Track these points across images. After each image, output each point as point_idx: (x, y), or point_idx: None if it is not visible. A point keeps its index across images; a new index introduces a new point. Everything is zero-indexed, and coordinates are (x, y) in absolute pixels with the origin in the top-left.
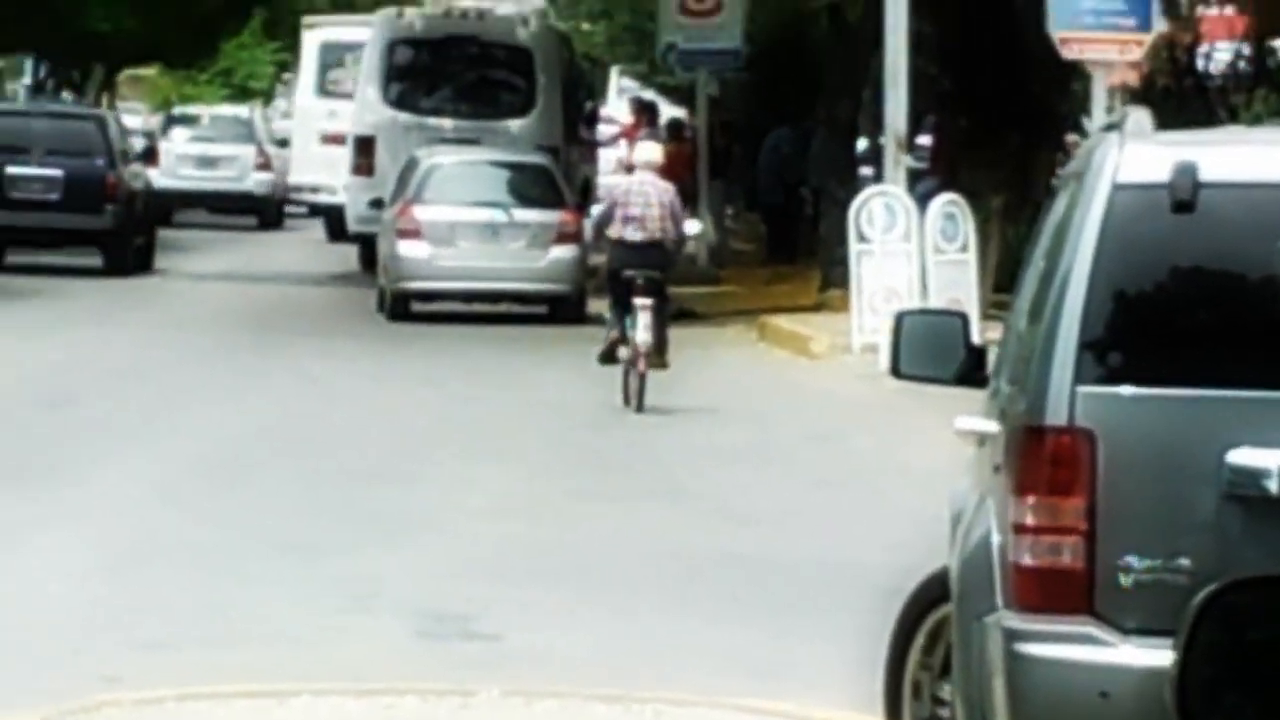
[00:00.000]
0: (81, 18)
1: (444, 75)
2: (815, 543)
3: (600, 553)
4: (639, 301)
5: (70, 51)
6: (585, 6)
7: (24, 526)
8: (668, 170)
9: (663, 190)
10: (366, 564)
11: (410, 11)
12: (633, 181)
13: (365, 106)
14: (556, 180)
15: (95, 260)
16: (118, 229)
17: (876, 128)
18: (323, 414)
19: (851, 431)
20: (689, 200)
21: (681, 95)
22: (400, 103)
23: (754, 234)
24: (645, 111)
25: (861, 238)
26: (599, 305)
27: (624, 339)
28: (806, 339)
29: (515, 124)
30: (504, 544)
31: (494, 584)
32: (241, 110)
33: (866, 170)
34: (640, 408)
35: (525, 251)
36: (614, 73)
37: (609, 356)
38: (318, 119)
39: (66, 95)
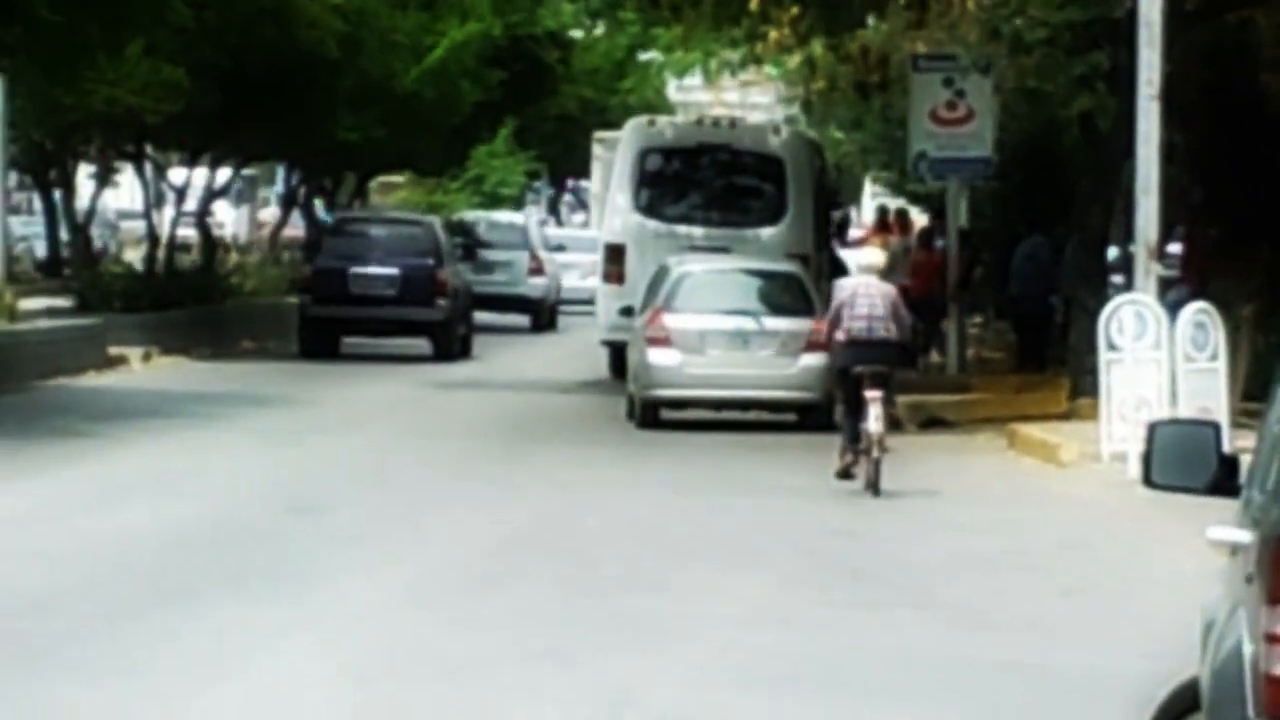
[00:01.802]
0: (331, 128)
1: (695, 183)
2: (1066, 651)
3: (852, 662)
4: (869, 394)
5: (321, 160)
6: (837, 115)
7: (276, 634)
8: (918, 279)
9: (886, 291)
10: (618, 672)
11: (662, 119)
12: (858, 283)
13: (616, 214)
14: (807, 288)
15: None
16: (446, 320)
17: (1128, 236)
18: (573, 521)
19: (1100, 539)
20: (938, 310)
21: (933, 203)
22: (651, 210)
23: (1003, 342)
24: (898, 219)
25: (1112, 346)
26: None
27: (857, 459)
28: (1056, 447)
29: (766, 232)
30: (756, 653)
31: (746, 693)
32: (517, 217)
33: (1117, 278)
34: (877, 492)
35: (775, 359)
36: (867, 180)
37: (845, 474)
38: None
39: (318, 202)
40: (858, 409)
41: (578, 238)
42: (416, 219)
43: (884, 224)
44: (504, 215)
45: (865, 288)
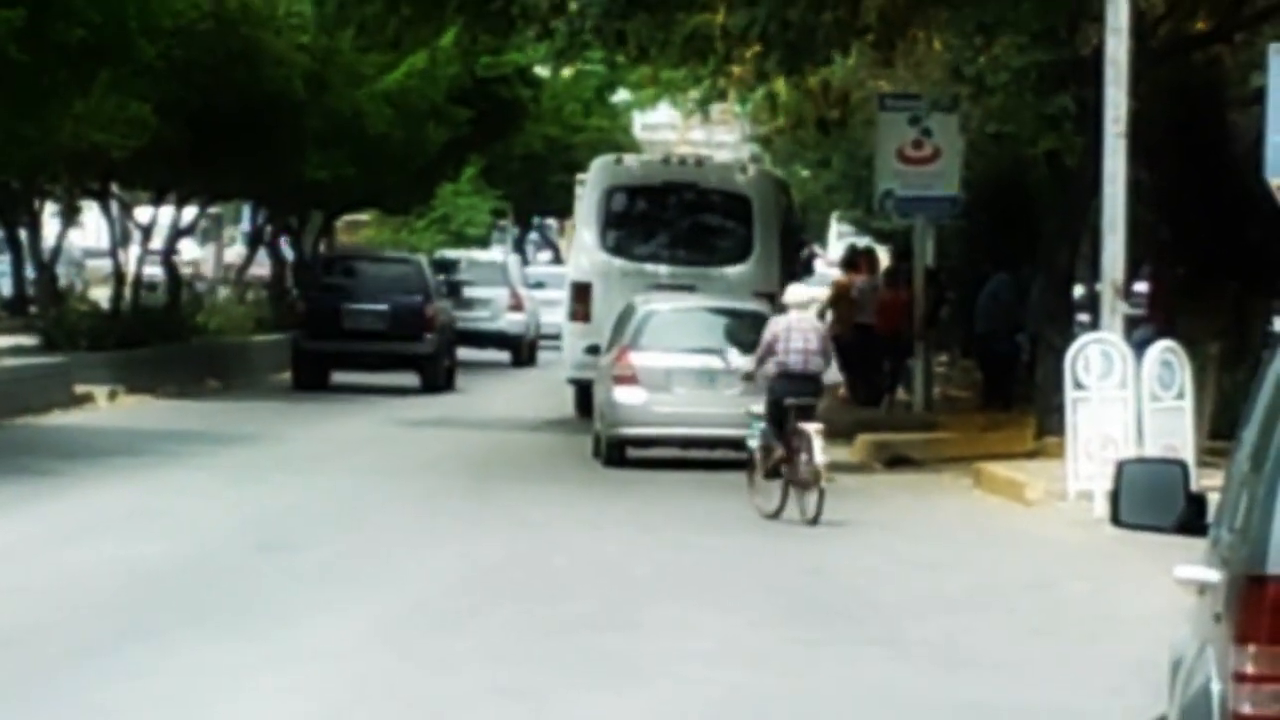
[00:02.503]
0: (300, 166)
1: (661, 221)
2: (1035, 689)
3: (822, 700)
4: (809, 427)
5: (289, 199)
6: (803, 154)
7: (245, 672)
8: (884, 317)
9: (816, 327)
10: (589, 709)
11: (628, 157)
12: (791, 319)
13: (582, 252)
14: None
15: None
16: (434, 354)
17: (1094, 274)
18: (541, 559)
19: (1068, 578)
20: (904, 348)
21: (898, 240)
22: (617, 249)
23: (969, 380)
24: (864, 257)
25: (1078, 384)
26: None
27: (787, 458)
28: (1022, 485)
29: (732, 270)
30: (726, 690)
31: None
32: (497, 255)
33: (1084, 317)
34: (816, 521)
35: (741, 398)
36: (833, 218)
37: (775, 472)
38: None
39: (284, 240)
40: (784, 435)
41: (556, 275)
42: (405, 257)
43: (853, 262)
44: (484, 254)
45: (798, 323)
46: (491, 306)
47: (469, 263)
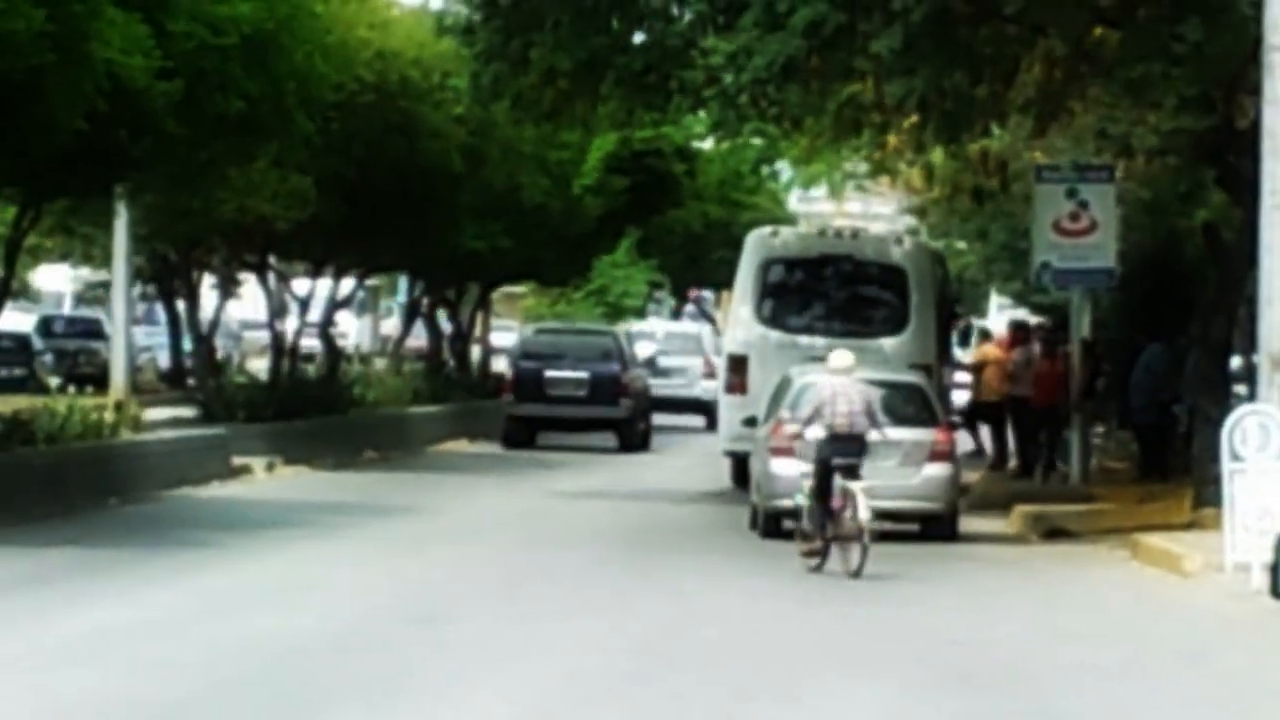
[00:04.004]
0: (456, 238)
1: (818, 293)
2: None
3: None
4: (854, 485)
5: (445, 271)
6: (960, 225)
7: None
8: (1041, 389)
9: (862, 390)
10: None
11: (785, 230)
12: (836, 384)
13: (739, 324)
14: (929, 399)
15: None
16: (629, 418)
17: (1251, 346)
18: (694, 631)
19: (1225, 650)
20: (1061, 420)
21: (1056, 313)
22: (774, 321)
23: (1126, 452)
24: (1018, 331)
25: (1235, 456)
26: (971, 524)
27: (825, 548)
28: (1179, 557)
29: (889, 342)
30: None
31: None
32: (691, 327)
33: (1241, 388)
34: (859, 574)
35: (898, 470)
36: (994, 290)
37: (813, 554)
38: None
39: (441, 312)
40: (827, 495)
41: None
42: (603, 329)
43: (1021, 337)
44: (679, 325)
45: (844, 388)
46: (687, 374)
47: (666, 334)
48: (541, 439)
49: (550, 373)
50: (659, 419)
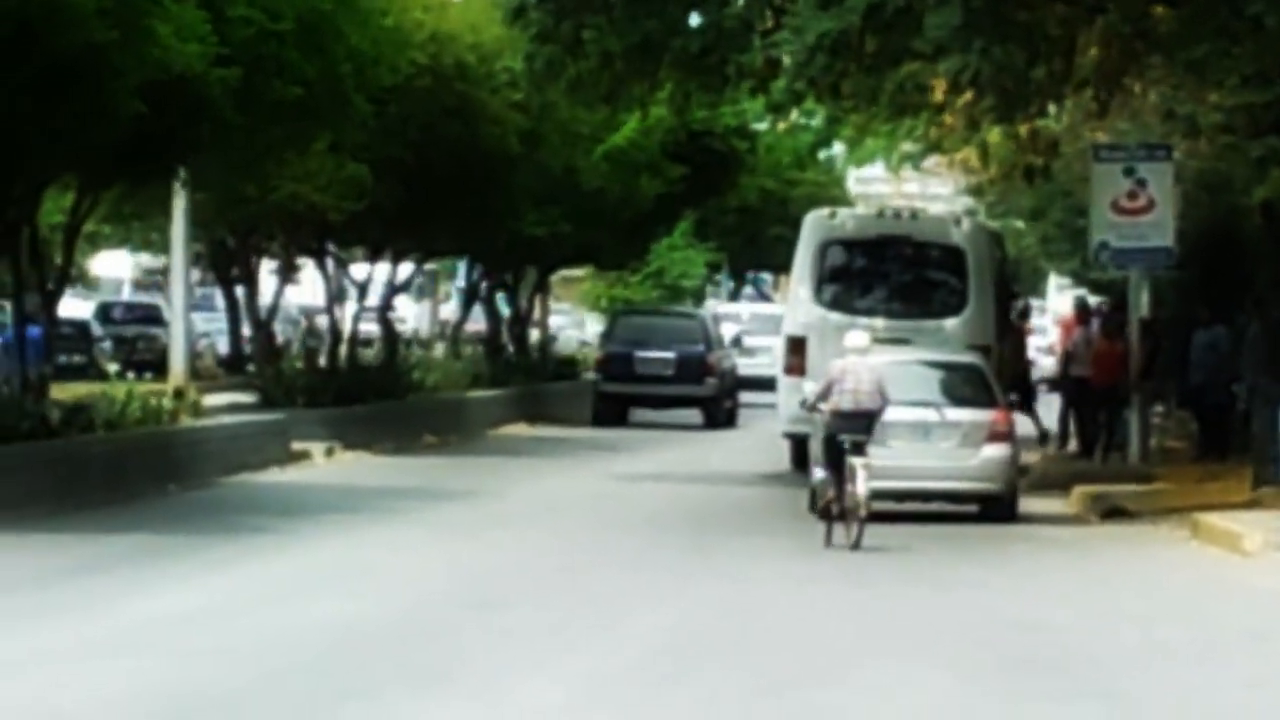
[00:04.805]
0: (515, 223)
1: (876, 275)
2: None
3: None
4: (856, 461)
5: (503, 255)
6: (1018, 204)
7: None
8: (1100, 369)
9: (870, 369)
10: None
11: (843, 211)
12: (847, 363)
13: (797, 306)
14: (988, 380)
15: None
16: (715, 396)
17: None
18: (754, 615)
19: None
20: (1120, 400)
21: (1115, 292)
22: (833, 303)
23: (1185, 431)
24: (1082, 311)
25: None
26: (1031, 504)
27: (837, 498)
28: (1239, 536)
29: (948, 323)
30: None
31: None
32: (776, 308)
33: None
34: (857, 547)
35: (957, 450)
36: (1052, 271)
37: (825, 513)
38: None
39: (499, 296)
40: (839, 469)
41: None
42: (690, 312)
43: (1083, 315)
44: (764, 307)
45: (854, 366)
46: (771, 354)
47: (751, 315)
48: (629, 417)
49: (639, 353)
50: (746, 397)
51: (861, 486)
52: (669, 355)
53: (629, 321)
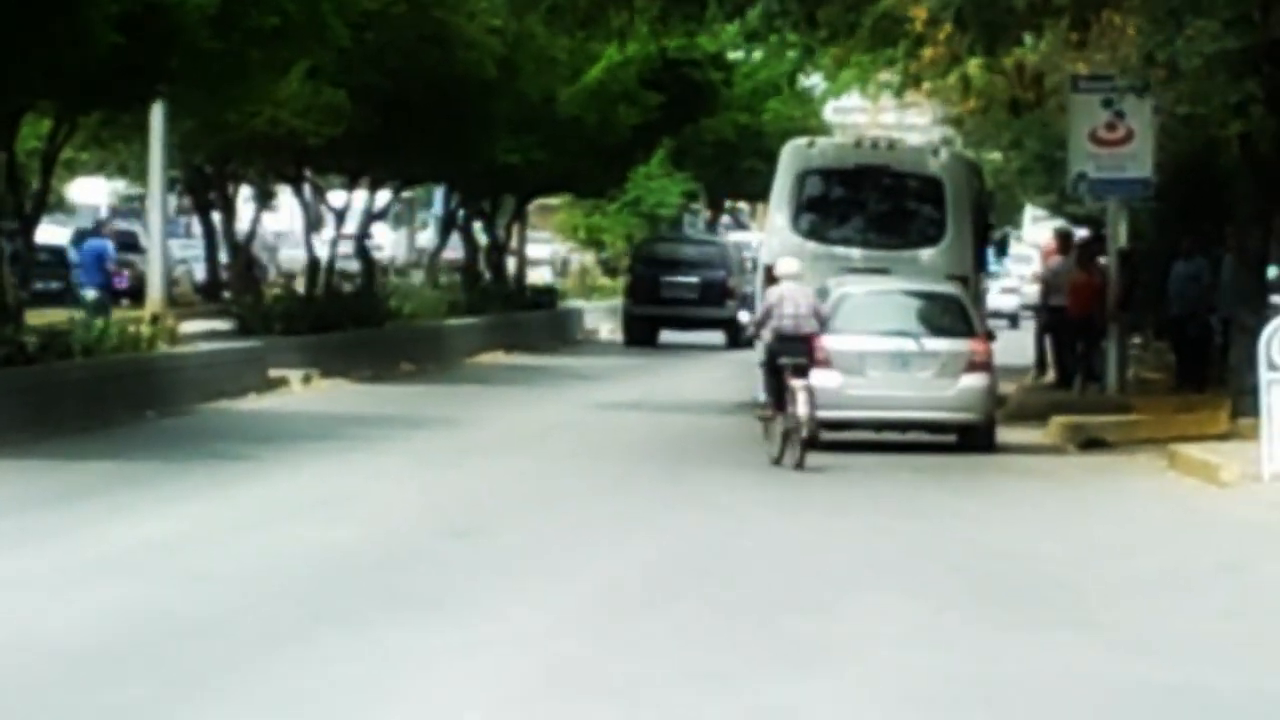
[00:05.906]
0: (492, 151)
1: (854, 205)
2: (1229, 672)
3: (1015, 684)
4: (796, 383)
5: (482, 183)
6: (995, 135)
7: (435, 656)
8: (1077, 300)
9: (807, 294)
10: (780, 694)
11: (821, 141)
12: (784, 289)
13: (775, 235)
14: (966, 309)
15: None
16: (735, 318)
17: None
18: (732, 543)
19: (1262, 560)
20: (1097, 330)
21: (1092, 223)
22: (810, 232)
23: (1162, 362)
24: (1060, 239)
25: (1272, 365)
26: (1009, 434)
27: (778, 412)
28: (1216, 467)
29: (925, 254)
30: (917, 675)
31: (908, 714)
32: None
33: (1278, 298)
34: (801, 466)
35: (935, 380)
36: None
37: (765, 420)
38: None
39: (476, 225)
40: (780, 390)
41: None
42: (712, 240)
43: (1064, 245)
44: None
45: (790, 292)
46: None
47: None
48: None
49: (666, 277)
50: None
51: (803, 408)
52: (693, 280)
53: (656, 247)
